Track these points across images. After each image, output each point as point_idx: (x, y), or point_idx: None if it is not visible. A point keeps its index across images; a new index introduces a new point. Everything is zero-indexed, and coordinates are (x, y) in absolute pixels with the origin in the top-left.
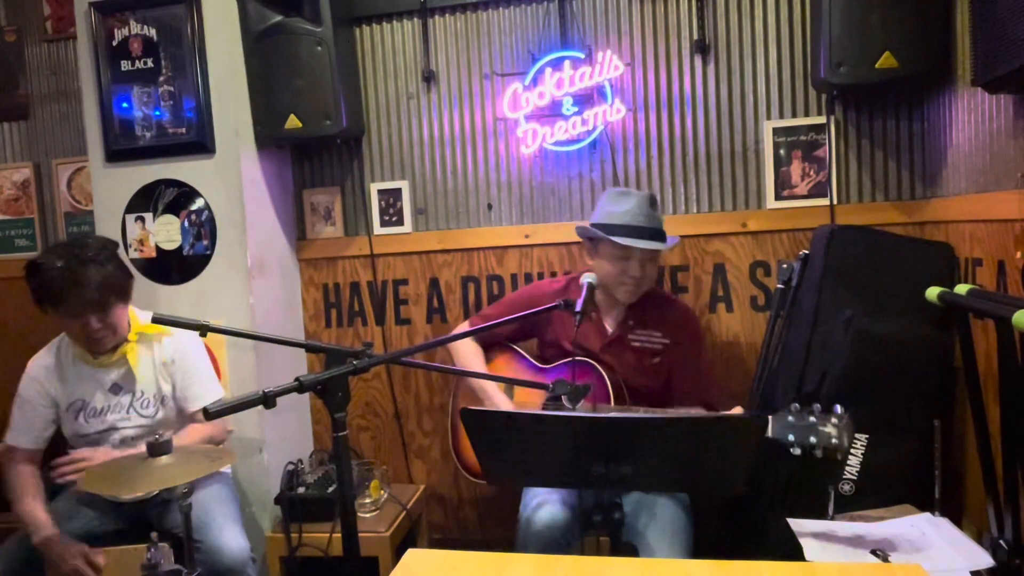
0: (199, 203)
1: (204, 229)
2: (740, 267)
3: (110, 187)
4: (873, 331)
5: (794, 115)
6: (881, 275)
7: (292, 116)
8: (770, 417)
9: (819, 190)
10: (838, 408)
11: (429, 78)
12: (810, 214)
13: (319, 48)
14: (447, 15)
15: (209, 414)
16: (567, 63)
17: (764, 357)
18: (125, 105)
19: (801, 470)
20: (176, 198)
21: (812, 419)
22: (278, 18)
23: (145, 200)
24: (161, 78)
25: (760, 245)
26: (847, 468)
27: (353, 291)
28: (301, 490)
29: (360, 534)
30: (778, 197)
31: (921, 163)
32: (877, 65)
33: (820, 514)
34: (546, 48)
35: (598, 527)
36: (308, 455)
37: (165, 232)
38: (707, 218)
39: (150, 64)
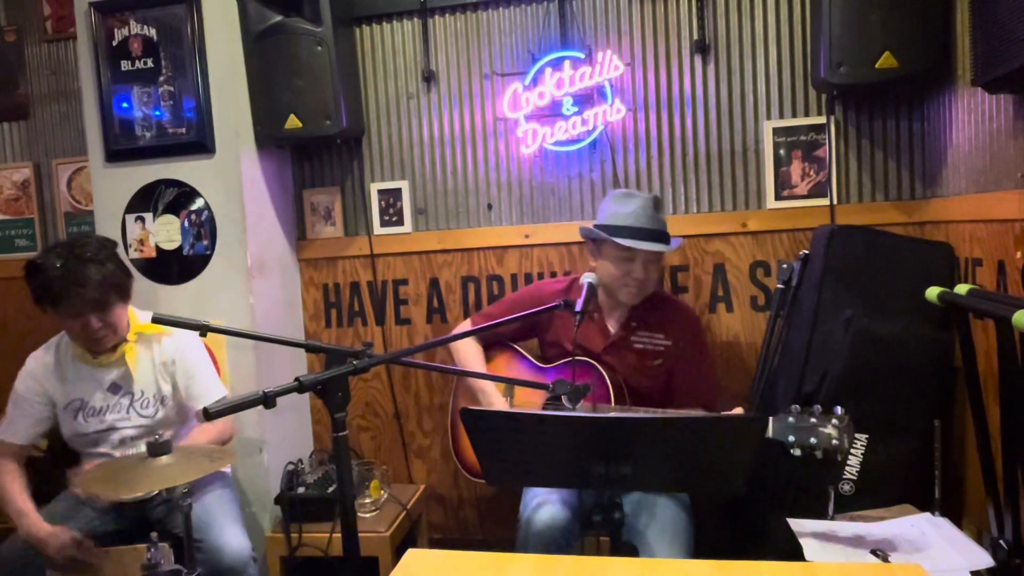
0: (199, 203)
1: (204, 229)
2: (740, 267)
3: (110, 187)
4: (873, 331)
5: (794, 115)
6: (881, 275)
7: (292, 116)
8: (770, 418)
9: (819, 190)
10: (838, 409)
11: (429, 78)
12: (810, 214)
13: (319, 48)
14: (447, 15)
15: (209, 414)
16: (567, 63)
17: (764, 357)
18: (125, 105)
19: (801, 470)
20: (176, 198)
21: (812, 420)
22: (278, 18)
23: (145, 200)
24: (161, 78)
25: (760, 245)
26: (847, 468)
27: (353, 291)
28: (301, 490)
29: (360, 534)
30: (778, 197)
31: (921, 163)
32: (877, 65)
33: (820, 514)
34: (546, 48)
35: (598, 527)
36: (308, 455)
37: (165, 232)
38: (707, 218)
39: (150, 64)
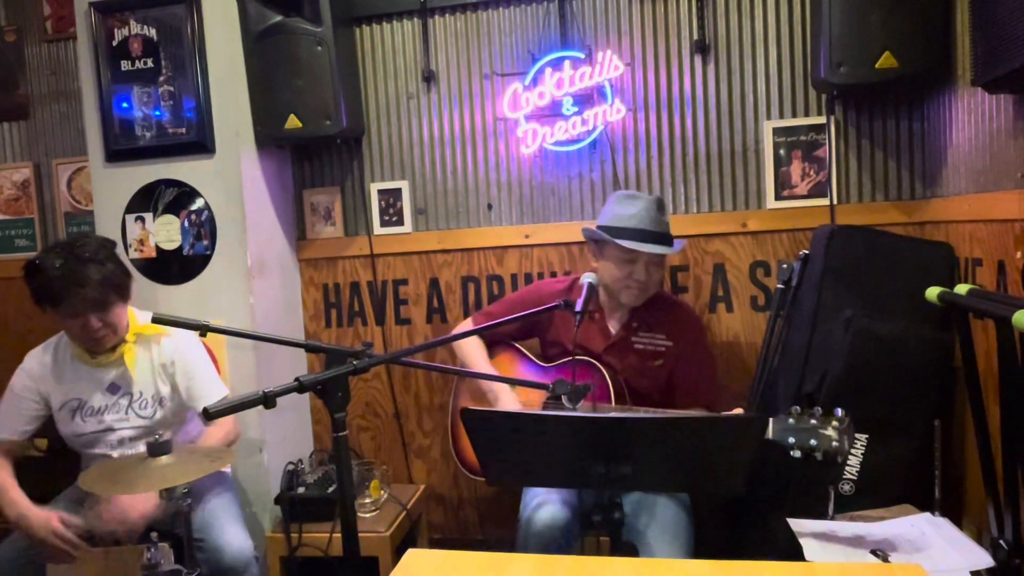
0: (199, 203)
1: (204, 229)
2: (740, 267)
3: (110, 187)
4: (873, 331)
5: (794, 115)
6: (881, 275)
7: (292, 116)
8: (771, 419)
9: (819, 190)
10: (839, 411)
11: (429, 78)
12: (810, 214)
13: (319, 48)
14: (447, 15)
15: (209, 414)
16: (567, 63)
17: (764, 357)
18: (125, 105)
19: (801, 470)
20: (176, 198)
21: (813, 422)
22: (278, 18)
23: (145, 200)
24: (161, 78)
25: (760, 245)
26: (847, 468)
27: (353, 291)
28: (301, 490)
29: (360, 534)
30: (778, 197)
31: (921, 163)
32: (877, 65)
33: (820, 514)
34: (546, 48)
35: (598, 527)
36: (308, 455)
37: (165, 232)
38: (707, 218)
39: (150, 64)
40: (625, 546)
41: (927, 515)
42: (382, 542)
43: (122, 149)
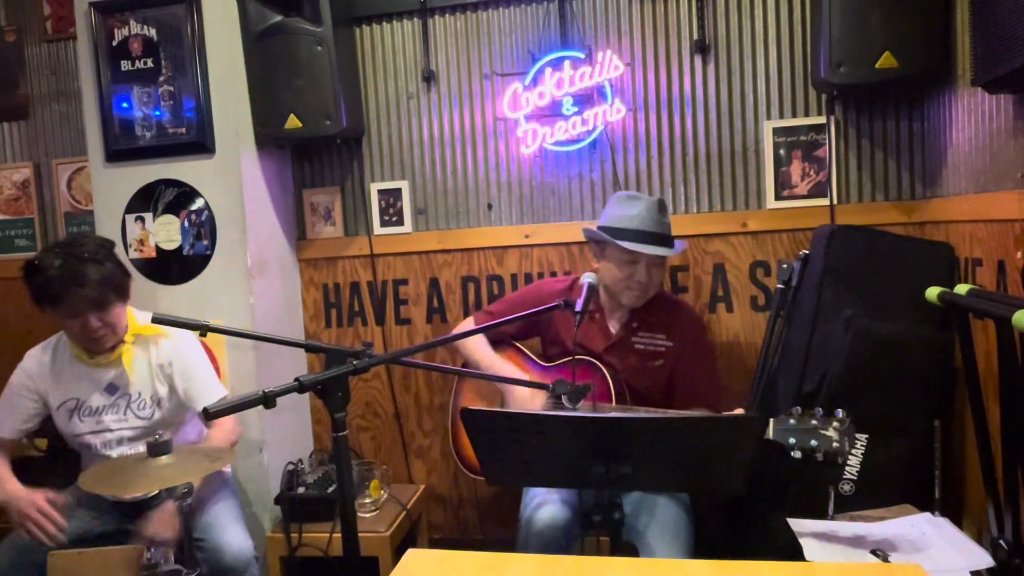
0: (199, 203)
1: (204, 229)
2: (740, 267)
3: (110, 187)
4: (873, 331)
5: (794, 115)
6: (881, 275)
7: (292, 116)
8: (771, 420)
9: (819, 190)
10: (840, 412)
11: (429, 78)
12: (810, 214)
13: (319, 48)
14: (447, 15)
15: (209, 414)
16: (567, 63)
17: (764, 357)
18: (125, 105)
19: (801, 470)
20: (176, 198)
21: (814, 423)
22: (278, 18)
23: (145, 200)
24: (161, 78)
25: (760, 245)
26: (847, 468)
27: (353, 291)
28: (301, 490)
29: (360, 534)
30: (778, 197)
31: (921, 163)
32: (877, 65)
33: (820, 514)
34: (546, 48)
35: (598, 527)
36: (308, 455)
37: (165, 232)
38: (707, 218)
39: (150, 64)
40: (625, 546)
41: (927, 515)
42: (382, 542)
43: (122, 149)
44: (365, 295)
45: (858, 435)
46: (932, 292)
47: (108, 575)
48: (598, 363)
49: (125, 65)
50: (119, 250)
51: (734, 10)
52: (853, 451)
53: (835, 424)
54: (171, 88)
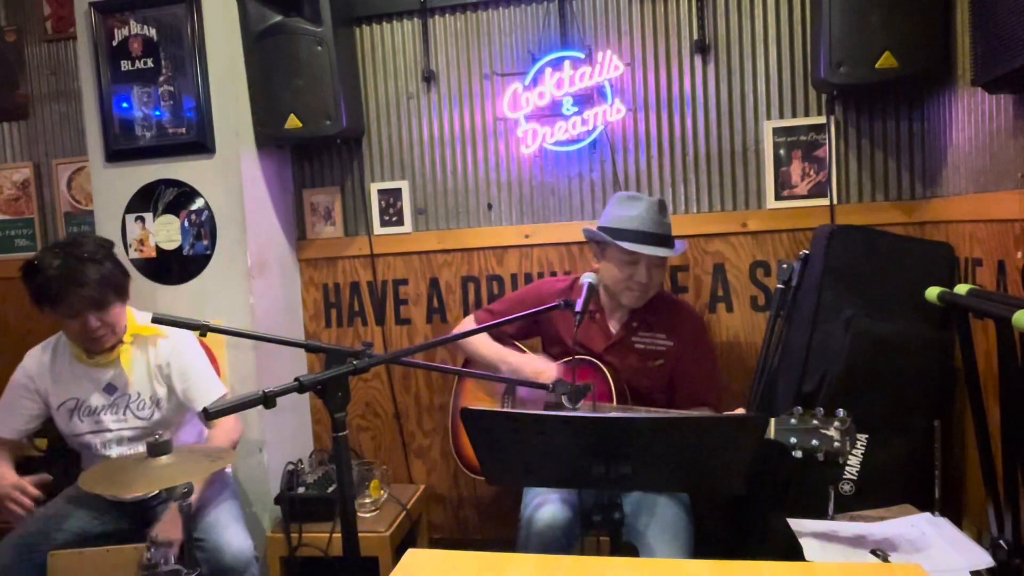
0: (199, 203)
1: (204, 229)
2: (740, 267)
3: (110, 187)
4: (873, 331)
5: (794, 115)
6: (881, 275)
7: (292, 116)
8: (772, 419)
9: (819, 190)
10: (841, 412)
11: (429, 78)
12: (810, 214)
13: (319, 48)
14: (447, 15)
15: (209, 414)
16: (567, 63)
17: (764, 357)
18: (125, 105)
19: (801, 470)
20: (176, 198)
21: (815, 422)
22: (278, 18)
23: (145, 200)
24: (161, 78)
25: (760, 245)
26: (847, 468)
27: (353, 291)
28: (301, 490)
29: (360, 534)
30: (778, 197)
31: (921, 163)
32: (877, 65)
33: (820, 514)
34: (546, 48)
35: (598, 527)
36: (308, 455)
37: (165, 232)
38: (707, 218)
39: (150, 64)
40: (625, 546)
41: (927, 515)
42: (382, 542)
43: (122, 149)
44: (365, 295)
45: (858, 435)
46: (932, 292)
47: (108, 575)
48: (599, 363)
49: (125, 65)
50: (119, 250)
51: (734, 10)
52: (853, 451)
53: (836, 424)
54: (171, 88)
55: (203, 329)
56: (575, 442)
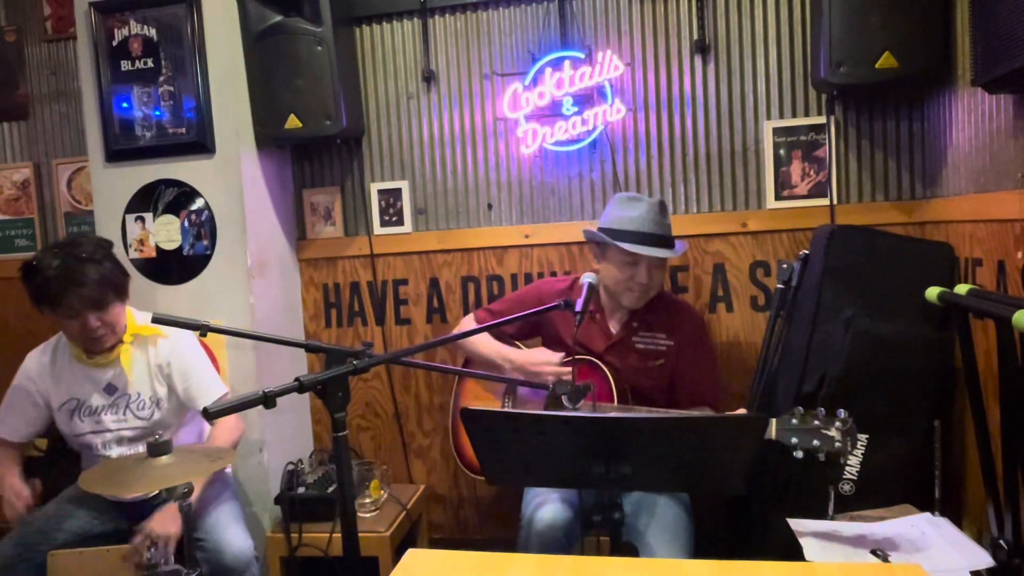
0: (199, 203)
1: (204, 229)
2: (740, 267)
3: (110, 187)
4: (873, 331)
5: (794, 115)
6: (881, 275)
7: (292, 116)
8: (773, 420)
9: (819, 190)
10: (842, 412)
11: (429, 78)
12: (810, 214)
13: (319, 48)
14: (447, 15)
15: (209, 414)
16: (567, 63)
17: (764, 357)
18: (125, 105)
19: (801, 470)
20: (176, 198)
21: (816, 423)
22: (278, 18)
23: (145, 200)
24: (161, 78)
25: (760, 245)
26: (847, 468)
27: (353, 291)
28: (301, 490)
29: (360, 534)
30: (778, 197)
31: (921, 163)
32: (877, 65)
33: (820, 514)
34: (546, 48)
35: (598, 527)
36: (308, 455)
37: (165, 232)
38: (707, 218)
39: (150, 64)
40: (625, 546)
41: (927, 515)
42: (382, 542)
43: (122, 149)
44: (365, 295)
45: (858, 435)
46: (932, 292)
47: (108, 575)
48: (599, 363)
49: (125, 65)
50: (119, 250)
51: (734, 10)
52: (854, 451)
53: (837, 424)
54: (171, 88)
55: (203, 329)
56: (575, 442)
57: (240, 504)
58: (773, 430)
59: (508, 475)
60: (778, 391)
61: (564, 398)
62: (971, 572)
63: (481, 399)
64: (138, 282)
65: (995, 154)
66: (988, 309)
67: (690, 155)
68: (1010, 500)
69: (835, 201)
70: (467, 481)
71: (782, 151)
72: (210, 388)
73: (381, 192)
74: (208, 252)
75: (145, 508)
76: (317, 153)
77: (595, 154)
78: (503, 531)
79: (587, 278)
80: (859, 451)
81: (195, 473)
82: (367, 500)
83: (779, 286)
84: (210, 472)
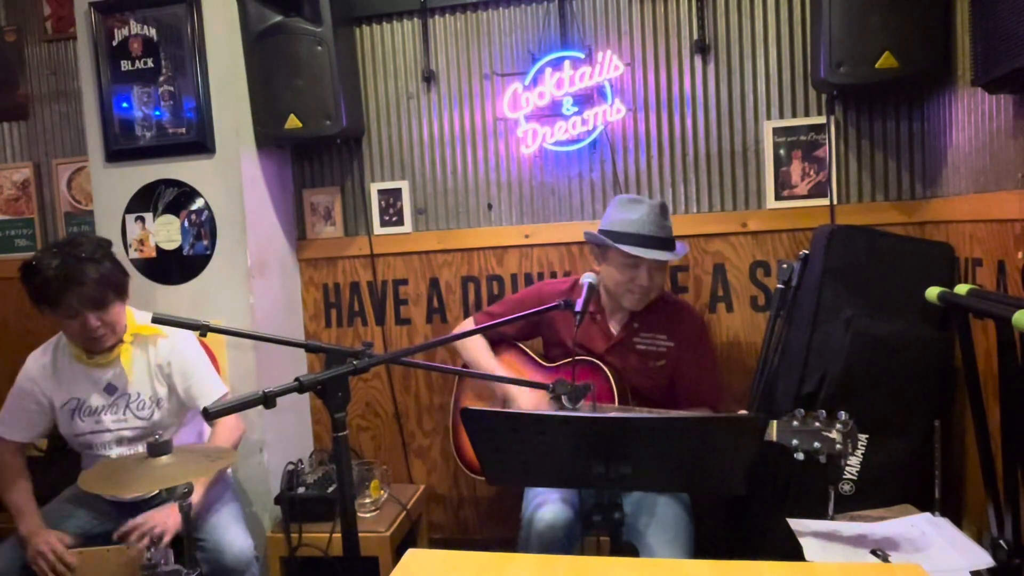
0: (199, 203)
1: (204, 229)
2: (740, 267)
3: (110, 187)
4: (873, 331)
5: (794, 115)
6: (881, 275)
7: (292, 116)
8: (774, 422)
9: (819, 190)
10: (842, 414)
11: (429, 78)
12: (810, 214)
13: (319, 48)
14: (447, 15)
15: (209, 414)
16: (567, 63)
17: (764, 357)
18: (125, 105)
19: (801, 470)
20: (176, 198)
21: (817, 424)
22: (278, 18)
23: (145, 200)
24: (161, 78)
25: (760, 245)
26: (847, 468)
27: (353, 291)
28: (301, 490)
29: (360, 534)
30: (778, 197)
31: (921, 163)
32: (877, 65)
33: (820, 514)
34: (546, 48)
35: (598, 527)
36: (308, 455)
37: (165, 232)
38: (707, 218)
39: (150, 64)
40: (625, 546)
41: (927, 515)
42: (382, 542)
43: (122, 149)
44: (365, 295)
45: (859, 435)
46: (932, 292)
47: (108, 575)
48: (600, 364)
49: (125, 65)
50: (119, 250)
51: (734, 10)
52: (854, 452)
53: (838, 426)
54: (171, 88)
55: (203, 329)
56: (575, 442)
57: (240, 504)
58: (774, 432)
59: (508, 475)
60: (778, 391)
61: (564, 398)
62: (971, 572)
63: (481, 399)
64: (138, 282)
65: (995, 154)
66: (988, 309)
67: (690, 155)
68: (1010, 500)
69: (835, 201)
70: (467, 481)
71: (782, 151)
72: (210, 388)
73: (381, 192)
74: (208, 252)
75: (145, 508)
76: (317, 153)
77: (595, 154)
78: (503, 531)
79: (587, 278)
80: (859, 451)
81: (195, 473)
82: (367, 500)
83: (779, 286)
84: (210, 472)
